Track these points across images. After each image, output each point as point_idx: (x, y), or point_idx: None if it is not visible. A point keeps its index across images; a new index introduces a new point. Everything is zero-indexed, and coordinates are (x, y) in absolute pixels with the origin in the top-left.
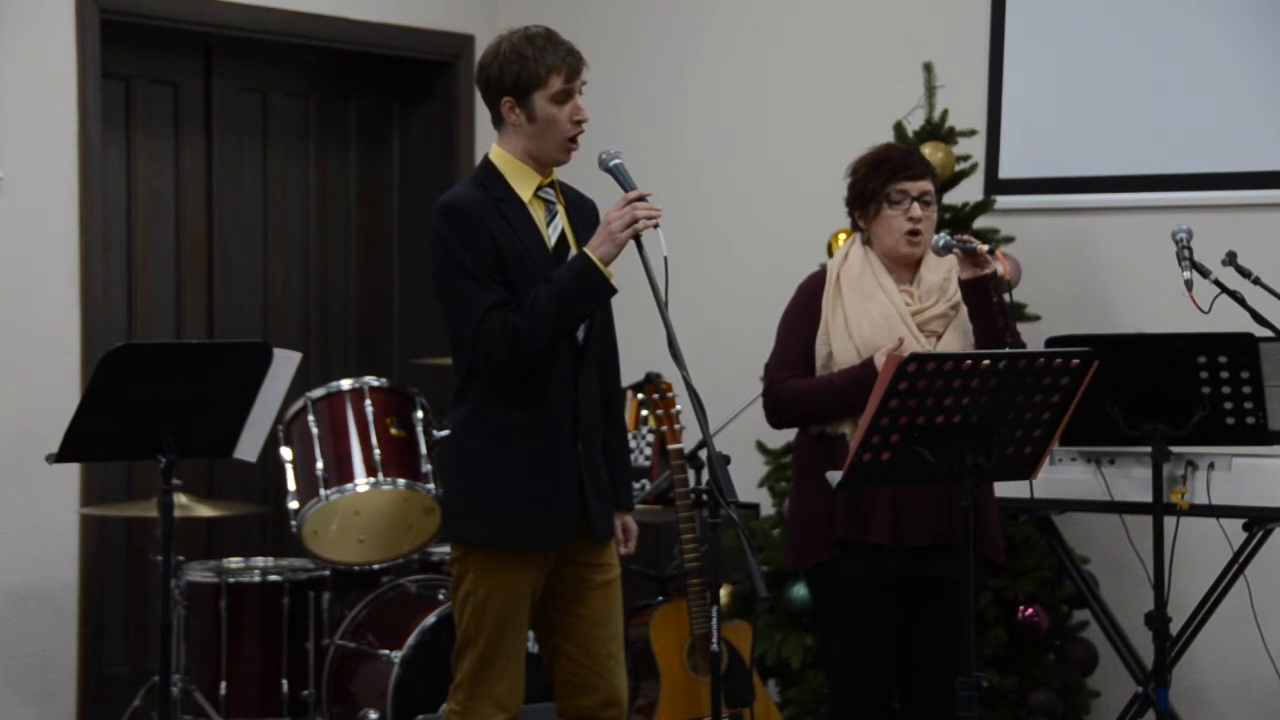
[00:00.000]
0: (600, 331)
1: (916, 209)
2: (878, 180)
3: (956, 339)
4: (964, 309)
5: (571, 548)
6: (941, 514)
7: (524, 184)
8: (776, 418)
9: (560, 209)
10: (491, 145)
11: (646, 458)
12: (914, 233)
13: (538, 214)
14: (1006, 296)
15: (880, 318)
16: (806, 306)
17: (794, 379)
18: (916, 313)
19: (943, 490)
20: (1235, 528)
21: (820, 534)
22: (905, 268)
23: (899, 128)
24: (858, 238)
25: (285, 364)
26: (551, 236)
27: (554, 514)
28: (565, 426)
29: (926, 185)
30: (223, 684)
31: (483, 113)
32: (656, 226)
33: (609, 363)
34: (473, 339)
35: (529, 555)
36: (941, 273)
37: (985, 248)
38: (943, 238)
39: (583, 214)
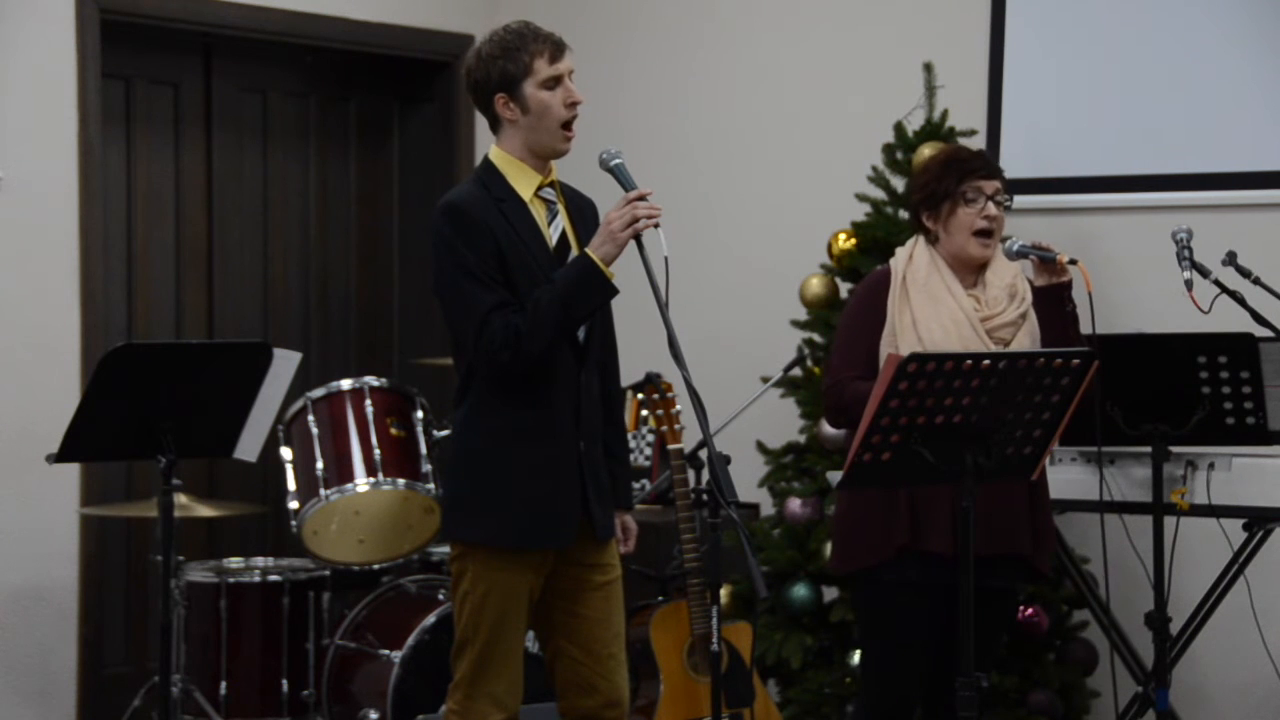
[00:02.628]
0: (601, 331)
1: (991, 207)
2: (951, 179)
3: (1025, 345)
4: (1033, 315)
5: (573, 548)
6: (1002, 524)
7: (524, 183)
8: (836, 418)
9: (561, 208)
10: (490, 146)
11: (646, 458)
12: (987, 233)
13: (539, 213)
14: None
15: (950, 323)
16: (870, 305)
17: (858, 381)
18: (986, 318)
19: (1002, 500)
20: (1235, 528)
21: (874, 538)
22: (970, 270)
23: (899, 128)
24: (920, 238)
25: (285, 364)
26: (553, 236)
27: (555, 515)
28: (567, 427)
29: (999, 184)
30: (223, 684)
31: None
32: (657, 226)
33: (609, 362)
34: (475, 340)
35: (528, 555)
36: (1007, 277)
37: (1065, 256)
38: (1017, 243)
39: (583, 213)
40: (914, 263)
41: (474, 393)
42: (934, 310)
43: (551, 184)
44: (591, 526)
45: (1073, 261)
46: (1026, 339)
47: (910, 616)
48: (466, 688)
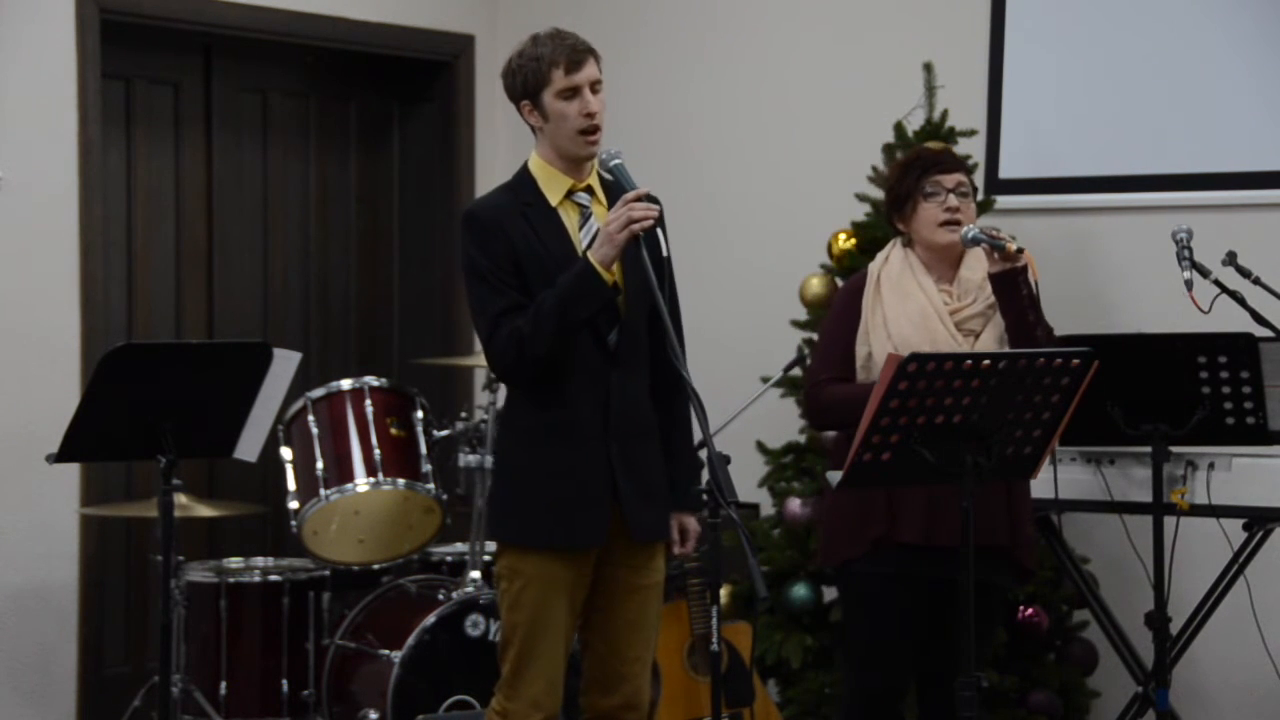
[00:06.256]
0: (648, 331)
1: (952, 199)
2: (911, 178)
3: (994, 337)
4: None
5: (613, 548)
6: (979, 516)
7: (554, 188)
8: (816, 420)
9: (600, 210)
10: (530, 152)
11: None
12: (951, 222)
13: (570, 218)
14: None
15: (919, 317)
16: (847, 307)
17: (833, 383)
18: (954, 311)
19: (979, 491)
20: (1235, 528)
21: (853, 531)
22: (946, 266)
23: (899, 128)
24: (898, 241)
25: (285, 364)
26: (584, 240)
27: (579, 516)
28: (592, 429)
29: (960, 177)
30: (223, 684)
31: (483, 113)
32: (654, 226)
33: (668, 360)
34: (486, 343)
35: (562, 555)
36: (981, 271)
37: (1015, 245)
38: (972, 229)
39: None
40: (889, 263)
41: (509, 394)
42: (903, 307)
43: (588, 187)
44: (626, 528)
45: (1020, 250)
46: (995, 330)
47: (886, 608)
48: (507, 688)
